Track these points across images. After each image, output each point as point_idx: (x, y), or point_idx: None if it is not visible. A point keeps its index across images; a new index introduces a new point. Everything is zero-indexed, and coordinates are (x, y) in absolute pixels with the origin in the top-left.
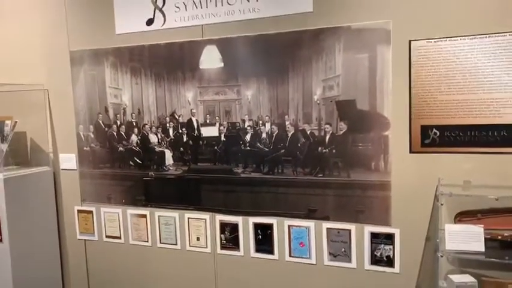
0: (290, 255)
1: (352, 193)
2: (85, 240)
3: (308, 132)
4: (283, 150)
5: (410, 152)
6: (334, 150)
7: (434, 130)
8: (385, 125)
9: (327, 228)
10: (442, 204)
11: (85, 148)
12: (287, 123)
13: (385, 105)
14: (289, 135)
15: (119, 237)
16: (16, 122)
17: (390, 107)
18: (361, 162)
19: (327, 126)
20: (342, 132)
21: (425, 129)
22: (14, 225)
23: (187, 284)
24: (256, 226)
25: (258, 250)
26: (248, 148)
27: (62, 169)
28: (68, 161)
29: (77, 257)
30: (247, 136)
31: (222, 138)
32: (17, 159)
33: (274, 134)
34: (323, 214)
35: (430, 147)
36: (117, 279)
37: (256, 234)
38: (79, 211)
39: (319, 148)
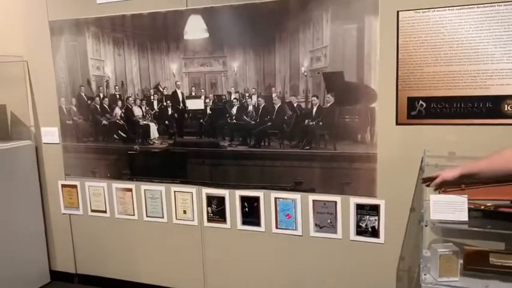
0: (277, 227)
1: (338, 165)
2: (70, 214)
3: (295, 105)
4: (269, 123)
5: (397, 124)
6: (320, 123)
7: (420, 102)
8: (372, 97)
9: (313, 200)
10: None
11: (68, 122)
12: (274, 95)
13: (372, 77)
14: (276, 107)
15: (105, 211)
16: None
17: (377, 79)
18: (347, 134)
19: (314, 98)
20: (329, 104)
21: (411, 101)
22: None
23: (175, 256)
24: (243, 199)
25: (244, 222)
26: (234, 121)
27: (44, 143)
28: (51, 134)
29: (62, 232)
30: (233, 109)
31: (208, 111)
32: None
33: (260, 107)
34: (309, 186)
35: (416, 119)
36: (104, 253)
37: (243, 207)
38: (63, 185)
39: (306, 121)
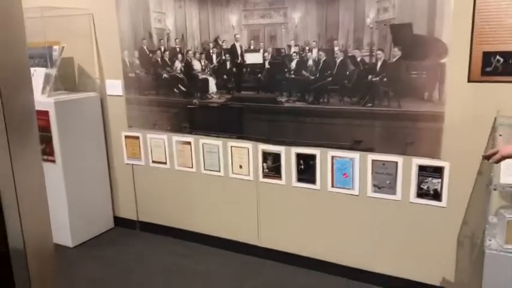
0: (332, 186)
1: (401, 124)
2: (132, 164)
3: (358, 59)
4: (330, 78)
5: (469, 81)
6: (385, 79)
7: (497, 57)
8: (442, 52)
9: (372, 160)
10: (500, 135)
11: (130, 74)
12: (336, 49)
13: (445, 29)
14: (338, 62)
15: (165, 163)
16: (63, 46)
17: (450, 32)
18: (413, 91)
19: (379, 52)
20: (395, 59)
21: (487, 56)
22: (65, 148)
23: (230, 209)
24: (299, 156)
25: (299, 180)
26: (293, 76)
27: (109, 95)
28: (114, 87)
29: (125, 181)
30: (292, 63)
31: (266, 65)
32: (65, 84)
33: (321, 61)
34: (368, 145)
35: (491, 75)
36: (163, 203)
37: (298, 164)
38: (126, 137)
39: (369, 76)
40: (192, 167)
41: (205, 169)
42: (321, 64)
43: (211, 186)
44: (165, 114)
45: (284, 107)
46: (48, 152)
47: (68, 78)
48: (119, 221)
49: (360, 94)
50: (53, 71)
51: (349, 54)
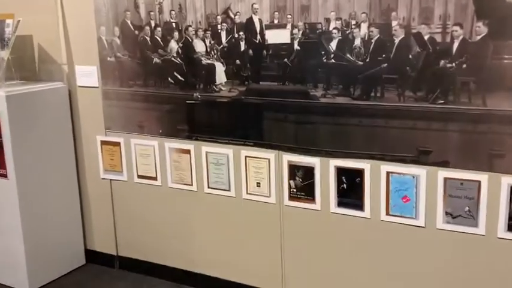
0: (387, 213)
1: (487, 128)
2: (111, 180)
3: (426, 38)
4: (385, 65)
5: None
6: (464, 65)
7: None
8: None
9: (445, 178)
10: None
11: (109, 58)
12: (394, 24)
13: None
14: (396, 42)
15: (155, 178)
16: (19, 21)
17: None
18: (505, 83)
19: (456, 28)
20: (478, 37)
21: None
22: (21, 158)
23: (243, 242)
24: (341, 171)
25: (341, 204)
26: (333, 61)
27: (80, 86)
28: (87, 75)
29: (101, 202)
30: (332, 43)
31: (296, 46)
32: (22, 72)
33: (373, 41)
34: (440, 158)
35: None
36: (153, 232)
37: (339, 182)
38: (103, 142)
39: (442, 61)
40: (191, 185)
41: (209, 187)
42: (372, 45)
43: (217, 210)
44: (156, 112)
45: (319, 103)
46: None
47: (25, 64)
48: (92, 257)
49: (428, 86)
50: (5, 54)
51: (414, 31)
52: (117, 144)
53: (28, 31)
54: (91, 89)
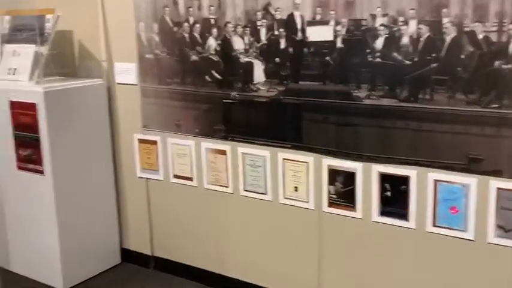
0: (434, 225)
1: None
2: (147, 179)
3: (480, 37)
4: (435, 65)
5: None
6: None
7: None
8: None
9: (498, 189)
10: None
11: (147, 56)
12: (445, 20)
13: None
14: (448, 40)
15: (190, 179)
16: (59, 16)
17: None
18: None
19: None
20: None
21: None
22: (58, 155)
23: (279, 248)
24: (384, 178)
25: (384, 213)
26: (379, 60)
27: (119, 83)
28: (126, 72)
29: (137, 201)
30: (378, 41)
31: (339, 44)
32: (62, 68)
33: (422, 39)
34: (492, 166)
35: None
36: (187, 232)
37: (382, 189)
38: (140, 141)
39: (497, 62)
40: (227, 186)
41: (245, 190)
42: (421, 43)
43: (253, 214)
44: (193, 111)
45: (363, 105)
46: (34, 159)
47: (65, 60)
48: (127, 256)
49: (481, 89)
50: (45, 49)
51: (466, 30)
52: (154, 142)
53: (69, 26)
54: (129, 86)
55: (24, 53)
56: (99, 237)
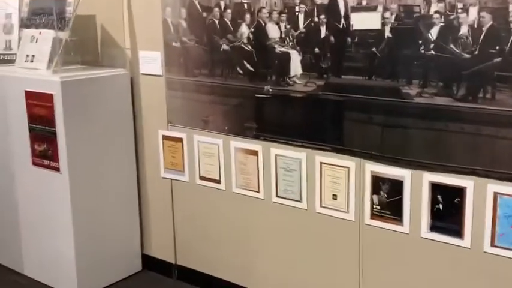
0: (493, 244)
1: None
2: (172, 180)
3: None
4: (498, 59)
5: None
6: None
7: None
8: None
9: None
10: None
11: (174, 44)
12: None
13: None
14: None
15: (218, 181)
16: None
17: None
18: None
19: None
20: None
21: None
22: (75, 151)
23: (315, 263)
24: (436, 188)
25: (434, 228)
26: (433, 52)
27: (143, 74)
28: (151, 61)
29: (161, 203)
30: (432, 31)
31: (387, 33)
32: (83, 56)
33: (484, 29)
34: None
35: None
36: (213, 240)
37: (434, 201)
38: (165, 137)
39: None
40: (257, 191)
41: (277, 196)
42: (483, 34)
43: (285, 223)
44: (222, 106)
45: (414, 103)
46: (50, 155)
47: (87, 47)
48: (149, 263)
49: None
50: (65, 35)
51: None
52: (180, 140)
53: (91, 10)
54: (154, 77)
55: (43, 39)
56: (119, 242)
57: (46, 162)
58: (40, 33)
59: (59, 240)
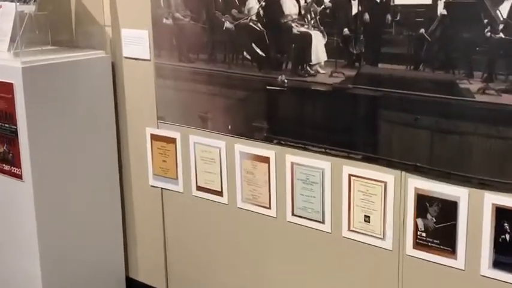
0: None
1: None
2: (162, 189)
3: None
4: None
5: None
6: None
7: None
8: None
9: None
10: None
11: (165, 20)
12: None
13: None
14: None
15: (219, 193)
16: None
17: None
18: None
19: None
20: None
21: None
22: (42, 153)
23: None
24: (501, 213)
25: (498, 264)
26: (502, 35)
27: (126, 57)
28: (136, 42)
29: (149, 217)
30: (501, 7)
31: (440, 9)
32: (54, 35)
33: None
34: None
35: None
36: (212, 264)
37: (498, 230)
38: (154, 137)
39: None
40: (269, 208)
41: (293, 214)
42: None
43: (303, 249)
44: (224, 100)
45: (474, 102)
46: (10, 159)
47: (58, 24)
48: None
49: None
50: (30, 8)
51: None
52: (172, 141)
53: None
54: (140, 62)
55: (3, 14)
56: (97, 264)
57: (6, 167)
58: (0, 6)
59: (23, 261)
